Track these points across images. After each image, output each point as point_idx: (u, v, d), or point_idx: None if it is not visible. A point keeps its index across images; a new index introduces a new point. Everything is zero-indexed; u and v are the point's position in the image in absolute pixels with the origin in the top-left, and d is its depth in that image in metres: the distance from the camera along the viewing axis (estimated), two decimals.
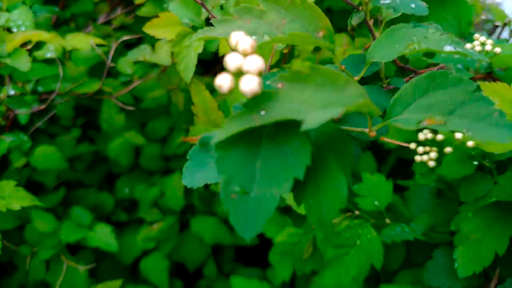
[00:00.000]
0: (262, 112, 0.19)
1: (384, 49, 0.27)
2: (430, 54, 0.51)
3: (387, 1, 0.32)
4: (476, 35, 0.46)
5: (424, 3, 0.33)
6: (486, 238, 0.42)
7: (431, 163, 0.43)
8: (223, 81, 0.19)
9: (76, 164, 0.92)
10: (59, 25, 0.99)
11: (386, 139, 0.52)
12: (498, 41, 0.57)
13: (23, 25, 0.76)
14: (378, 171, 0.67)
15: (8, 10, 0.85)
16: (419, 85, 0.23)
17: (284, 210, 0.70)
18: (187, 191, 0.90)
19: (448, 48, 0.25)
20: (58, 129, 0.90)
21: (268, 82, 0.21)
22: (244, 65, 0.19)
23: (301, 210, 0.50)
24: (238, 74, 0.20)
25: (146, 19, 0.78)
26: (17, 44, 0.56)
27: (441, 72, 0.23)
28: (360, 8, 0.33)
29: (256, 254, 0.95)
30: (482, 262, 0.43)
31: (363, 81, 0.37)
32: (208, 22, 0.53)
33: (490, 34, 0.94)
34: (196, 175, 0.29)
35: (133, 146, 0.90)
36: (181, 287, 0.93)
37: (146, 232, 0.83)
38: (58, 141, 0.87)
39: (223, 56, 0.57)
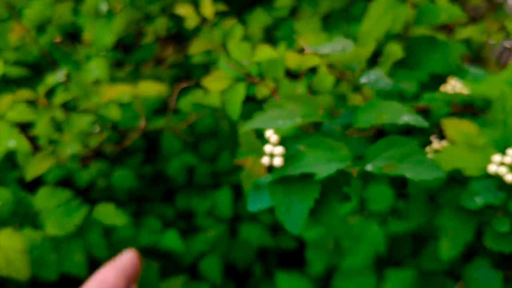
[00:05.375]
0: (292, 165, 0.40)
1: (364, 117, 0.46)
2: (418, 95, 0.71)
3: (364, 80, 0.52)
4: (449, 79, 0.65)
5: (389, 80, 0.52)
6: (459, 231, 0.61)
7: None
8: (264, 161, 0.41)
9: (142, 183, 1.15)
10: (120, 65, 1.24)
11: None
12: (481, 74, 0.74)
13: (100, 74, 1.00)
14: (391, 183, 0.86)
15: (87, 58, 1.10)
16: (383, 144, 0.42)
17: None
18: (235, 201, 1.12)
19: (404, 118, 0.44)
20: (126, 154, 1.14)
21: (295, 145, 0.42)
22: (274, 151, 0.40)
23: None
24: (271, 155, 0.41)
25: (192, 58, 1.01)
26: (108, 97, 0.79)
27: (397, 137, 0.42)
28: (349, 80, 0.53)
29: (296, 258, 1.15)
30: (457, 249, 0.61)
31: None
32: (248, 76, 0.74)
33: (499, 56, 1.11)
34: (255, 204, 0.48)
35: (188, 165, 1.12)
36: (233, 284, 1.14)
37: (203, 236, 1.05)
38: (127, 163, 1.11)
39: (259, 99, 0.78)
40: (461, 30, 0.99)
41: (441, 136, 0.67)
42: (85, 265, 0.70)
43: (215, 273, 1.06)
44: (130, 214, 1.08)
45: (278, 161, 0.41)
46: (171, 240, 0.93)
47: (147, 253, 1.06)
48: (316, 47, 0.54)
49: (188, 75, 1.17)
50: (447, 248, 0.62)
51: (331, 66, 0.60)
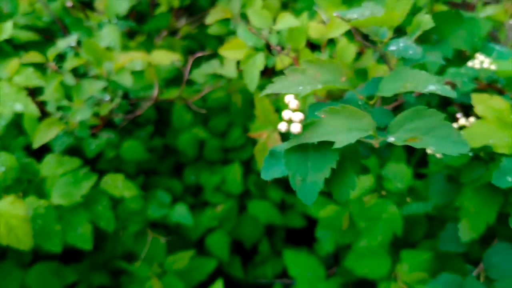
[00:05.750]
0: (311, 133, 0.37)
1: (388, 86, 0.44)
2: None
3: (393, 48, 0.49)
4: (477, 55, 0.62)
5: (419, 48, 0.49)
6: (481, 212, 0.58)
7: (438, 155, 0.60)
8: (281, 127, 0.38)
9: (151, 155, 1.13)
10: (131, 35, 1.21)
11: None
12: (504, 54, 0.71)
13: (112, 42, 0.97)
14: (408, 162, 0.84)
15: (99, 25, 1.07)
16: (408, 115, 0.39)
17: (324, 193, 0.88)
18: (245, 178, 1.09)
19: (430, 87, 0.41)
20: (135, 125, 1.12)
21: (316, 113, 0.39)
22: (292, 117, 0.38)
23: None
24: (290, 121, 0.38)
25: (208, 28, 0.97)
26: (121, 64, 0.76)
27: (423, 107, 0.40)
28: (377, 48, 0.50)
29: (303, 237, 1.14)
30: (478, 230, 0.59)
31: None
32: (267, 46, 0.71)
33: None
34: (269, 172, 0.45)
35: (198, 139, 1.10)
36: (239, 261, 1.12)
37: (211, 212, 1.03)
38: (135, 136, 1.09)
39: (277, 70, 0.75)
40: (483, 8, 0.95)
41: (466, 115, 0.64)
42: (91, 237, 0.68)
43: (222, 249, 1.05)
44: (139, 187, 1.06)
45: (296, 128, 0.38)
46: (181, 214, 0.92)
47: (154, 227, 1.04)
48: (344, 12, 0.51)
49: (201, 47, 1.13)
50: (468, 230, 0.59)
51: (357, 31, 0.57)
